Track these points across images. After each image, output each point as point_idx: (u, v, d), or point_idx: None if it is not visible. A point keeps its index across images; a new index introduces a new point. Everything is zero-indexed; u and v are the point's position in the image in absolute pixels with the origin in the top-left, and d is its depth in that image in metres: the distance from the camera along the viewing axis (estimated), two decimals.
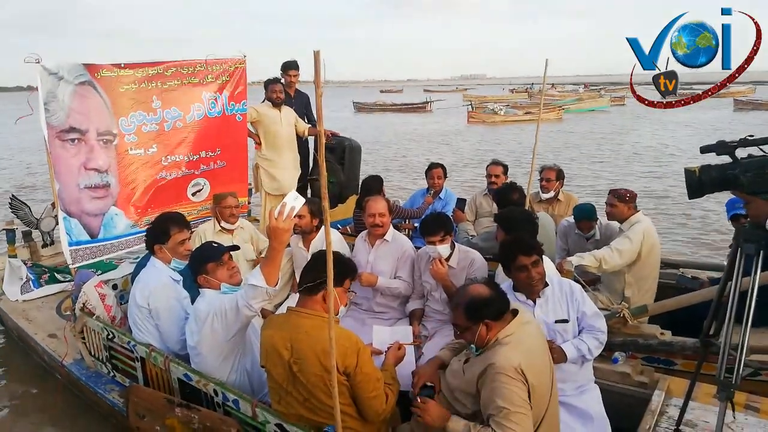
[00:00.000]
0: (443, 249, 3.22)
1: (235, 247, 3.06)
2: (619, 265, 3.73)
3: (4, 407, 3.98)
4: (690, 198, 2.17)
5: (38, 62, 3.95)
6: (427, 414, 2.15)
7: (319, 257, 2.43)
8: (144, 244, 4.57)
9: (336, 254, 2.67)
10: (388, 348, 2.68)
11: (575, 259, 3.68)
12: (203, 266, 2.81)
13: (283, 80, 5.79)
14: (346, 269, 2.53)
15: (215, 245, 2.98)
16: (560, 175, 4.89)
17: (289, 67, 5.91)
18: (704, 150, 2.13)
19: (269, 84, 5.53)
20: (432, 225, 3.25)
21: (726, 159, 2.08)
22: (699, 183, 2.11)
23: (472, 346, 2.20)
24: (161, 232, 3.23)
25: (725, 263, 2.36)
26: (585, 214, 4.20)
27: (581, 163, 15.48)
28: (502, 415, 1.97)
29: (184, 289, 3.26)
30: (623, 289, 3.87)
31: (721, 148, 2.07)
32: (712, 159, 2.14)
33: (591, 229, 4.25)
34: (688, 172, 2.13)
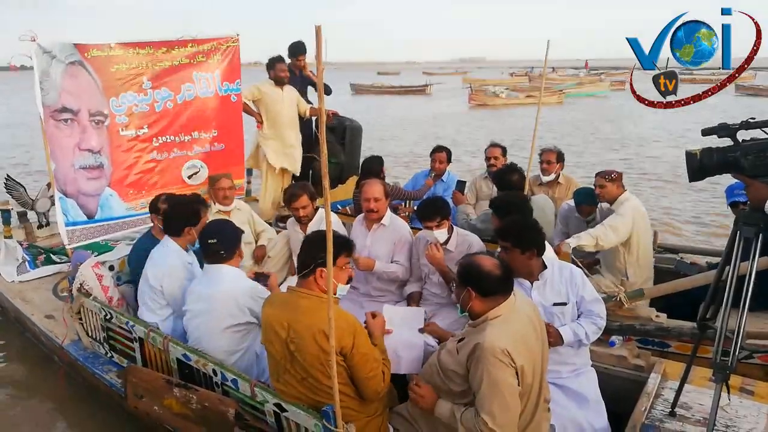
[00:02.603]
0: (440, 234, 3.22)
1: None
2: (615, 241, 3.77)
3: (0, 388, 3.99)
4: (691, 181, 2.16)
5: (34, 40, 3.89)
6: (423, 400, 2.28)
7: (310, 240, 2.43)
8: (139, 226, 4.55)
9: (322, 233, 2.64)
10: (365, 321, 2.55)
11: (573, 241, 3.69)
12: (239, 247, 2.94)
13: (290, 62, 5.69)
14: (337, 246, 2.48)
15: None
16: (560, 158, 4.85)
17: (298, 51, 5.79)
18: (706, 132, 2.12)
19: (274, 62, 5.39)
20: (428, 210, 3.24)
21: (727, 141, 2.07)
22: (700, 166, 2.10)
23: (457, 305, 2.29)
24: (193, 213, 3.24)
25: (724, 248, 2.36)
26: (585, 199, 4.19)
27: (582, 146, 15.44)
28: (486, 399, 2.01)
29: (199, 269, 3.25)
30: (625, 269, 3.89)
31: (722, 130, 2.06)
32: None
33: (591, 213, 4.25)
34: (690, 155, 2.12)
